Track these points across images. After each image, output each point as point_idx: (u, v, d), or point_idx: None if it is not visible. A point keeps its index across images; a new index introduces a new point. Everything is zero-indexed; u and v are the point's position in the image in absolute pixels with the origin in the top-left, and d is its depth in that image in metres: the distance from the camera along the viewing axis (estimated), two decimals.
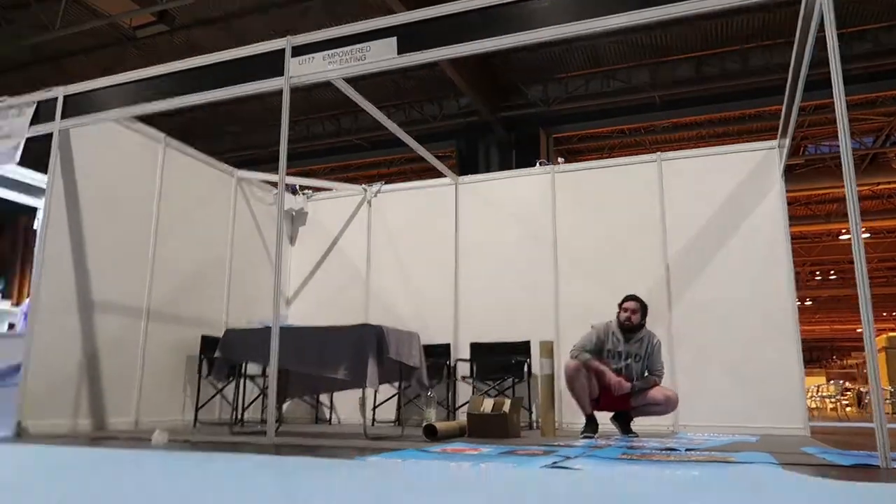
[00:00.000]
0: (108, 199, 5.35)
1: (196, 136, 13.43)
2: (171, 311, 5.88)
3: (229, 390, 6.20)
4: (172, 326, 5.88)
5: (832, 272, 24.04)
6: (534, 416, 6.06)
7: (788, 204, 5.80)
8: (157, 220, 5.79)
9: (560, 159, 6.65)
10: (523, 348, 6.15)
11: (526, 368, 6.07)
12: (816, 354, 40.83)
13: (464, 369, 6.39)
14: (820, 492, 1.80)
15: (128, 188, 5.55)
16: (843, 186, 3.07)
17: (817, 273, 24.16)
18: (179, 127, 12.86)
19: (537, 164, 6.94)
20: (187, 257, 6.14)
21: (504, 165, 11.27)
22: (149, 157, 5.80)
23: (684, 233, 5.93)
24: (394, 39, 3.98)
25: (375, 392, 6.20)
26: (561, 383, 6.00)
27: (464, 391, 6.36)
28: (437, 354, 6.42)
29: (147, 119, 5.81)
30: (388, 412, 6.55)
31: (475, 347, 6.38)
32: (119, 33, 10.09)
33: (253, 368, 6.05)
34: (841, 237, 17.92)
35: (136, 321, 5.52)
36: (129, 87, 4.82)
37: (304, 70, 4.30)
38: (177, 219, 6.03)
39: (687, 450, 3.48)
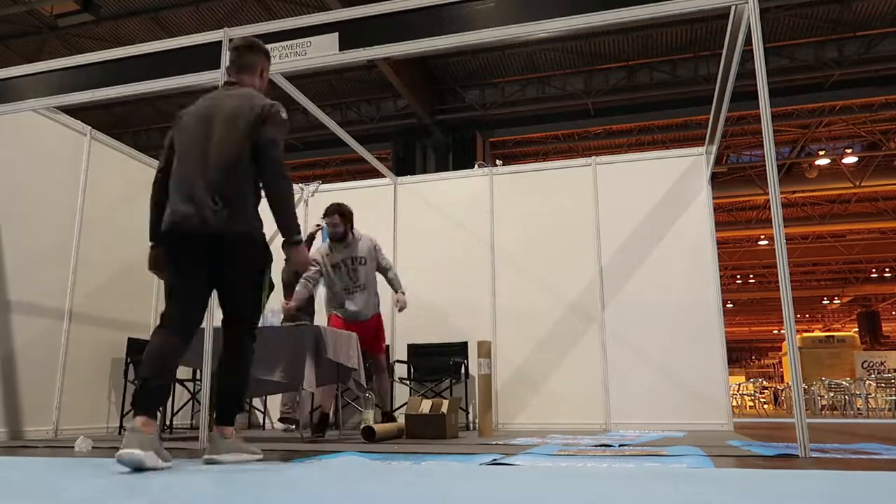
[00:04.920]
0: (28, 193, 5.06)
1: (127, 130, 12.92)
2: (95, 312, 5.61)
3: None
4: (97, 328, 5.62)
5: (751, 276, 25.31)
6: (471, 417, 6.10)
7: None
8: (82, 216, 5.53)
9: (498, 161, 6.73)
10: (461, 349, 6.19)
11: (463, 369, 6.11)
12: (736, 355, 42.87)
13: (401, 371, 6.37)
14: (747, 479, 1.89)
15: (49, 182, 5.27)
16: (762, 194, 3.23)
17: (738, 277, 25.38)
18: (110, 121, 12.33)
19: (476, 165, 7.02)
20: (113, 256, 5.88)
21: (441, 168, 11.32)
22: (72, 150, 5.53)
23: (617, 235, 6.11)
24: (336, 35, 3.94)
25: (312, 395, 6.09)
26: (498, 384, 6.10)
27: (402, 393, 6.34)
28: None
29: (76, 112, 5.54)
30: None
31: (413, 349, 6.37)
32: (39, 21, 9.58)
33: (183, 372, 5.84)
34: (760, 242, 18.84)
35: (56, 322, 5.24)
36: (52, 77, 4.58)
37: None
38: (102, 215, 5.77)
39: (620, 445, 3.59)
